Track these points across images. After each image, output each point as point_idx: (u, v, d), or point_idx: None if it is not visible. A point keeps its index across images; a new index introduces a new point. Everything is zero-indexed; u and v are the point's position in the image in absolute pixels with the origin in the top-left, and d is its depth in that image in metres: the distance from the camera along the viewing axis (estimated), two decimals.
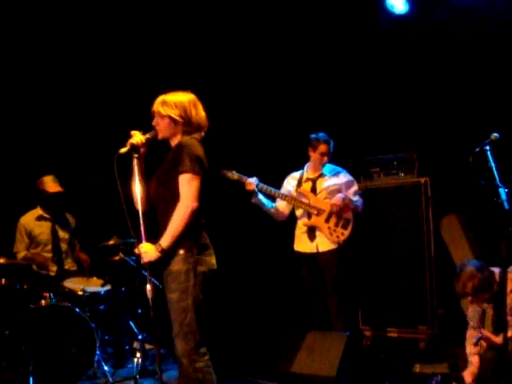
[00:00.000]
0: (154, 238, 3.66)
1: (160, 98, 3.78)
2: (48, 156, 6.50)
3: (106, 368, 5.34)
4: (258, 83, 6.57)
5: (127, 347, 5.71)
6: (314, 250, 5.32)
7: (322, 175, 5.42)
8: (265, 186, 5.31)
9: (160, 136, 3.77)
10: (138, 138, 3.66)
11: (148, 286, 3.57)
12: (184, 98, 3.76)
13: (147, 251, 3.57)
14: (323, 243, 5.29)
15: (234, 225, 6.67)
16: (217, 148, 6.25)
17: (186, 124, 3.73)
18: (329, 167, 5.46)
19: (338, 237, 5.22)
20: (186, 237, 3.58)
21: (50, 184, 5.79)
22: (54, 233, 5.83)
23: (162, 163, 3.79)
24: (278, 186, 5.51)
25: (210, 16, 6.39)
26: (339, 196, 5.24)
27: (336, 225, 5.23)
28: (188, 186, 3.57)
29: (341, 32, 6.19)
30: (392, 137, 6.03)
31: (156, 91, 3.86)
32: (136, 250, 3.64)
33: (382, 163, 5.97)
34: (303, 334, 4.70)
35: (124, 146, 3.61)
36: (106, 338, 5.72)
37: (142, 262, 3.62)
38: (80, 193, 6.40)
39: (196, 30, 6.49)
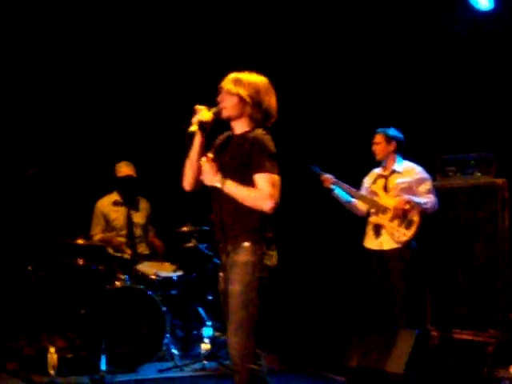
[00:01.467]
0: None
1: (232, 75, 3.48)
2: (126, 141, 6.67)
3: (174, 351, 5.48)
4: (338, 79, 6.55)
5: (195, 332, 5.82)
6: (379, 248, 5.31)
7: (394, 172, 5.37)
8: (341, 183, 5.36)
9: (224, 115, 3.44)
10: (205, 114, 3.39)
11: (221, 274, 3.44)
12: (259, 80, 3.47)
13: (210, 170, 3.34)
14: (387, 241, 5.26)
15: (309, 217, 6.67)
16: (298, 142, 6.47)
17: (255, 108, 3.41)
18: (403, 164, 5.40)
19: (399, 237, 5.18)
20: (255, 230, 3.35)
21: (125, 169, 5.94)
22: (128, 218, 5.98)
23: (221, 148, 3.50)
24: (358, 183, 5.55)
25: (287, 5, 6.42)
26: (403, 198, 5.18)
27: (399, 225, 5.19)
28: (271, 186, 3.27)
29: (422, 26, 6.11)
30: (470, 135, 5.91)
31: (225, 70, 3.57)
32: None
33: (459, 162, 5.86)
34: (371, 329, 4.69)
35: (191, 124, 3.39)
36: (176, 322, 5.85)
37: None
38: (155, 178, 6.53)
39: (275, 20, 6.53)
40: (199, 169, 3.41)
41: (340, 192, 5.41)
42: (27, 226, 6.28)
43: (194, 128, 3.39)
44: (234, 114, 3.45)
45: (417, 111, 6.07)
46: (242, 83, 3.42)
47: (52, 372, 4.82)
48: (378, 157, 5.42)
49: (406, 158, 5.45)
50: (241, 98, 3.40)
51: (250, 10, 6.51)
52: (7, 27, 6.23)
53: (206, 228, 5.53)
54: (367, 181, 5.54)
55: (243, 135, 3.42)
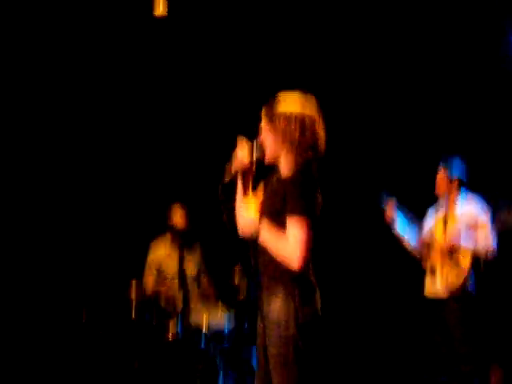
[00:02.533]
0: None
1: (266, 107, 3.06)
2: (177, 186, 6.68)
3: None
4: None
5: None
6: (435, 294, 5.00)
7: (452, 213, 5.05)
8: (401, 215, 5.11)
9: (268, 157, 3.06)
10: (242, 157, 3.05)
11: (260, 325, 3.08)
12: (299, 107, 2.99)
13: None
14: (440, 288, 4.95)
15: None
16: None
17: (296, 144, 2.97)
18: (463, 202, 5.07)
19: (451, 283, 4.86)
20: (287, 279, 2.95)
21: (178, 220, 5.93)
22: (180, 267, 5.95)
23: (265, 189, 3.16)
24: None
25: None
26: (448, 243, 4.91)
27: (451, 269, 4.88)
28: (301, 241, 2.86)
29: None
30: None
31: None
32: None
33: None
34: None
35: (226, 173, 3.13)
36: (230, 373, 5.82)
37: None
38: (207, 225, 6.51)
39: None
40: None
41: (402, 227, 5.12)
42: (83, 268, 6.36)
43: (227, 179, 3.12)
44: (273, 156, 3.05)
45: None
46: (277, 116, 2.98)
47: None
48: (439, 196, 5.16)
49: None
50: (276, 136, 2.99)
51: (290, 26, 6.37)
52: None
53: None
54: (430, 219, 5.25)
55: (287, 172, 2.99)
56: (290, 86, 3.09)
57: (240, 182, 3.09)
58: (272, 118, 2.98)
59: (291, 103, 2.99)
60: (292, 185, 2.91)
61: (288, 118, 2.95)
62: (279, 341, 2.90)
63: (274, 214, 2.96)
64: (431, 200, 5.31)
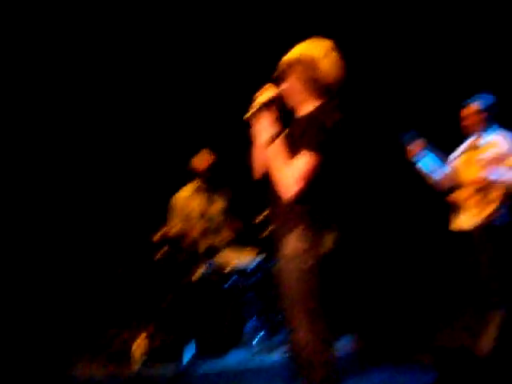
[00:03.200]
0: None
1: (283, 59, 3.23)
2: (202, 132, 6.69)
3: (259, 336, 5.52)
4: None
5: (279, 317, 5.84)
6: (459, 227, 4.99)
7: (478, 145, 5.01)
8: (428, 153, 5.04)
9: (288, 104, 3.24)
10: (267, 94, 3.16)
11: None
12: (309, 51, 3.17)
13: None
14: (467, 219, 4.93)
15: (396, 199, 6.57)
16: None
17: (312, 85, 3.17)
18: (492, 134, 5.01)
19: (478, 214, 4.84)
20: (304, 216, 3.11)
21: (204, 158, 5.98)
22: (206, 208, 6.01)
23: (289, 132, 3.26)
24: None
25: None
26: (478, 176, 4.85)
27: (480, 201, 4.85)
28: (303, 172, 3.03)
29: None
30: None
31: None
32: None
33: None
34: (460, 310, 4.60)
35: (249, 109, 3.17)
36: (258, 308, 5.89)
37: None
38: (232, 166, 6.56)
39: None
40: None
41: (428, 163, 5.07)
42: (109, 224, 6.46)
43: (250, 113, 3.17)
44: (296, 101, 3.23)
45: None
46: (292, 65, 3.16)
47: (137, 364, 4.93)
48: (467, 132, 5.09)
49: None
50: (295, 83, 3.17)
51: None
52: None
53: None
54: (460, 150, 5.21)
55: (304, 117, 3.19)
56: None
57: (263, 113, 3.14)
58: (287, 67, 3.15)
59: (304, 48, 3.15)
60: (308, 122, 3.09)
61: (300, 61, 3.12)
62: (297, 271, 3.04)
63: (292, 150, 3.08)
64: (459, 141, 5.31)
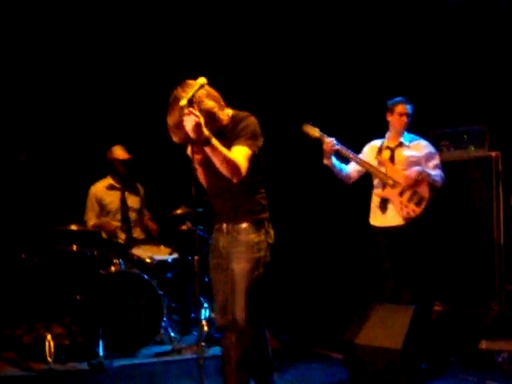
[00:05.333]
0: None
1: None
2: (115, 127, 6.63)
3: (172, 334, 5.47)
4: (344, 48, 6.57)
5: (193, 315, 5.81)
6: (385, 224, 5.11)
7: (401, 144, 5.16)
8: (343, 148, 5.05)
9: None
10: (193, 89, 3.39)
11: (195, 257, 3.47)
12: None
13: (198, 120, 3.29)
14: (394, 217, 5.05)
15: (311, 193, 6.63)
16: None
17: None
18: (409, 137, 5.20)
19: (408, 213, 4.96)
20: (254, 211, 3.63)
21: (119, 152, 5.90)
22: (123, 202, 5.94)
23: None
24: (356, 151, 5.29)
25: None
26: (416, 169, 4.99)
27: (409, 200, 4.97)
28: (246, 160, 3.48)
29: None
30: (463, 109, 5.89)
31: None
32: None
33: (452, 136, 5.84)
34: (370, 306, 4.67)
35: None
36: (173, 305, 5.85)
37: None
38: (148, 162, 6.50)
39: None
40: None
41: (336, 160, 5.13)
42: (20, 214, 6.26)
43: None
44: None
45: (409, 85, 6.02)
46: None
47: (50, 359, 4.81)
48: (399, 129, 5.15)
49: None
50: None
51: None
52: None
53: (201, 210, 5.49)
54: (368, 153, 5.28)
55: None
56: None
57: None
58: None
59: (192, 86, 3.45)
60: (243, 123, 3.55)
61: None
62: (249, 260, 3.54)
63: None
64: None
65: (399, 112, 5.14)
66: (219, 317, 3.67)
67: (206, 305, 5.53)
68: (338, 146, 5.02)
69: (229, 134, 3.57)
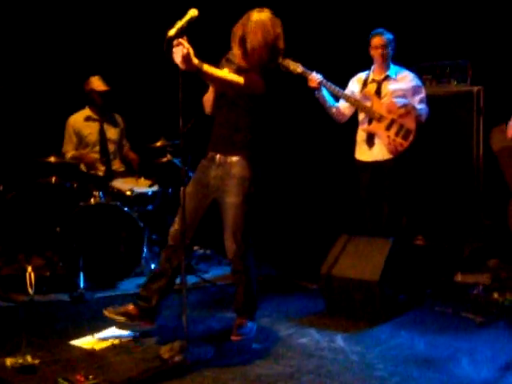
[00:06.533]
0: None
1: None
2: (95, 56, 6.50)
3: (153, 266, 5.50)
4: None
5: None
6: (372, 158, 5.08)
7: (387, 77, 5.08)
8: (329, 84, 4.99)
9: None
10: (185, 18, 3.42)
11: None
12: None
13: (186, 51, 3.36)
14: (381, 151, 5.02)
15: (294, 127, 6.60)
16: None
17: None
18: (395, 69, 5.13)
19: (395, 147, 4.93)
20: (248, 146, 3.79)
21: (97, 83, 5.79)
22: (101, 133, 5.86)
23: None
24: (343, 86, 5.22)
25: None
26: (401, 101, 4.95)
27: (396, 134, 4.92)
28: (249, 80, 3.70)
29: None
30: (445, 43, 5.83)
31: None
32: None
33: (435, 70, 5.80)
34: (348, 239, 4.70)
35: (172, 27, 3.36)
36: (154, 237, 5.87)
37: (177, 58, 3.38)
38: (128, 93, 6.40)
39: None
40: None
41: (326, 94, 5.08)
42: None
43: (172, 32, 3.31)
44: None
45: (391, 18, 5.92)
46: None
47: (31, 291, 4.83)
48: (379, 61, 5.09)
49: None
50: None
51: None
52: None
53: (177, 142, 5.44)
54: (354, 86, 5.22)
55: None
56: None
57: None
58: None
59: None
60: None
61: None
62: (240, 194, 3.74)
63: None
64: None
65: (374, 45, 5.08)
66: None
67: None
68: (322, 81, 4.96)
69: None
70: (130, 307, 3.98)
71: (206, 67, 3.47)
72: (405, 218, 5.38)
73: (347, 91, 5.21)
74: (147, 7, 6.56)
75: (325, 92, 5.08)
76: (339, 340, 3.97)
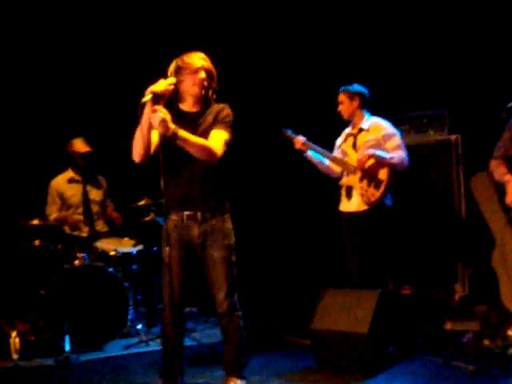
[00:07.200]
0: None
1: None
2: (76, 119, 6.54)
3: (139, 326, 5.45)
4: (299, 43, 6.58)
5: (159, 306, 5.77)
6: (351, 209, 5.13)
7: (361, 130, 5.17)
8: (311, 144, 5.17)
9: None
10: (160, 85, 3.62)
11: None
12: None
13: (164, 117, 3.50)
14: (358, 203, 5.08)
15: (283, 182, 6.66)
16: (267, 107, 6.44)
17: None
18: (370, 120, 5.19)
19: (368, 198, 4.99)
20: (225, 198, 3.89)
21: (80, 145, 5.83)
22: (85, 195, 5.87)
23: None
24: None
25: None
26: (367, 152, 4.99)
27: (368, 185, 5.00)
28: (223, 143, 3.76)
29: None
30: (422, 93, 5.93)
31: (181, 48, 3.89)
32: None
33: (412, 120, 5.90)
34: (334, 292, 4.69)
35: (144, 95, 3.52)
36: (139, 297, 5.82)
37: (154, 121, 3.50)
38: (109, 154, 6.43)
39: None
40: (149, 139, 3.60)
41: (313, 153, 5.23)
42: None
43: (146, 98, 3.49)
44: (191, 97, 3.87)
45: (370, 69, 6.05)
46: (195, 70, 3.79)
47: (15, 356, 4.75)
48: (345, 116, 5.22)
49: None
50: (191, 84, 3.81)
51: None
52: None
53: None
54: (339, 141, 5.35)
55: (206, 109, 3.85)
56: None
57: (150, 104, 3.51)
58: (187, 68, 3.75)
59: (203, 59, 3.84)
60: (224, 109, 3.83)
61: (203, 69, 3.78)
62: (226, 248, 3.81)
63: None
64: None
65: (338, 101, 5.23)
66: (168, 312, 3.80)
67: None
68: (305, 142, 5.16)
69: (207, 118, 3.82)
70: None
71: (182, 132, 3.56)
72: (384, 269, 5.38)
73: (335, 147, 5.36)
74: (130, 67, 6.64)
75: (311, 152, 5.24)
76: None
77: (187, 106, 3.87)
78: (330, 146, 5.36)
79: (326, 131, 5.51)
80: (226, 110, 3.84)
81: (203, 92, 3.82)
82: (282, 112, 6.40)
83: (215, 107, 3.86)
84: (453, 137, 5.68)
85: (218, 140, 3.72)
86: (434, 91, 5.89)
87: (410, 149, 5.48)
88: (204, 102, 3.86)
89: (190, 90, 3.80)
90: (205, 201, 3.80)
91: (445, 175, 5.70)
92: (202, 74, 3.78)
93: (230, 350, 3.91)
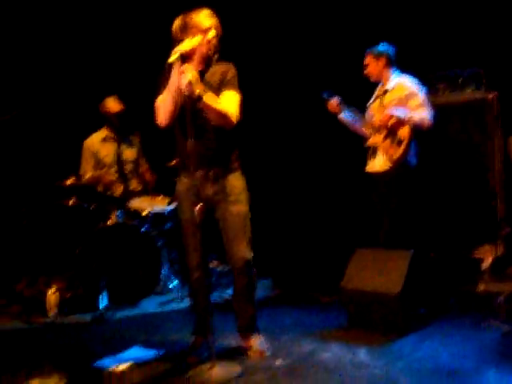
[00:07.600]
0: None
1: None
2: (111, 77, 6.54)
3: (174, 284, 5.52)
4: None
5: None
6: (375, 169, 5.12)
7: (386, 91, 5.12)
8: (345, 106, 5.16)
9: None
10: (187, 44, 3.61)
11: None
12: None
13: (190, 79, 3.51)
14: (381, 162, 5.07)
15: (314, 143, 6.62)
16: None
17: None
18: (396, 79, 5.12)
19: (391, 155, 4.96)
20: (237, 156, 3.89)
21: (112, 104, 5.83)
22: (118, 154, 5.89)
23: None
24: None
25: None
26: (387, 111, 4.97)
27: (391, 143, 4.98)
28: (237, 106, 3.76)
29: None
30: (459, 51, 5.79)
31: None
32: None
33: (449, 79, 5.77)
34: (366, 251, 4.68)
35: (171, 54, 3.51)
36: (173, 255, 5.87)
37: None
38: (146, 112, 6.42)
39: None
40: (178, 101, 3.63)
41: (348, 116, 5.21)
42: (16, 170, 6.22)
43: (173, 58, 3.48)
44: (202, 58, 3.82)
45: (405, 28, 5.91)
46: (203, 30, 3.75)
47: (52, 313, 4.86)
48: (372, 78, 5.18)
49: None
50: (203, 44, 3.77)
51: None
52: None
53: None
54: (370, 102, 5.32)
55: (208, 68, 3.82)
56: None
57: (178, 64, 3.52)
58: (195, 28, 3.70)
59: (211, 17, 3.79)
60: (232, 68, 3.81)
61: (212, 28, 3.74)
62: (245, 202, 3.85)
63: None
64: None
65: (364, 64, 5.17)
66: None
67: None
68: (340, 104, 5.12)
69: (213, 77, 3.79)
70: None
71: (206, 97, 3.57)
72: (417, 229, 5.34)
73: (367, 107, 5.30)
74: (162, 26, 6.58)
75: (346, 114, 5.19)
76: (362, 354, 3.93)
77: (192, 64, 3.73)
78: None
79: (361, 92, 5.39)
80: (233, 70, 3.81)
81: (210, 52, 3.79)
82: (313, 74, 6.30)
83: (219, 67, 3.83)
84: (490, 95, 5.55)
85: (233, 105, 3.72)
86: (471, 49, 5.74)
87: (446, 107, 5.42)
88: (207, 61, 3.83)
89: (198, 49, 3.73)
90: (218, 159, 3.79)
91: (482, 134, 5.60)
92: (211, 34, 3.74)
93: (249, 307, 3.96)
